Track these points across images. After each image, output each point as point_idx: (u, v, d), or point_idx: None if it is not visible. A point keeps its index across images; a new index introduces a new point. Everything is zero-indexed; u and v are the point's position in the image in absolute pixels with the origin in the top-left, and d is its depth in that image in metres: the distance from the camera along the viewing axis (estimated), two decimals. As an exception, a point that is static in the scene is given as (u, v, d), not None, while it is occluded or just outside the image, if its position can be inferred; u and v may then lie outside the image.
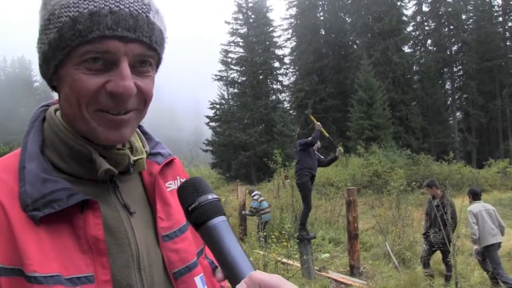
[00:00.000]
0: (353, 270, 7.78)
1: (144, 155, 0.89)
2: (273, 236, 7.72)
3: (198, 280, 0.89)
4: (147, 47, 0.77)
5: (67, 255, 0.72)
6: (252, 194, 11.71)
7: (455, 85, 45.52)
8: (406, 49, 43.35)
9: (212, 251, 0.69)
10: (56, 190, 0.74)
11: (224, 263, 0.67)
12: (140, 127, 0.96)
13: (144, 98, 0.80)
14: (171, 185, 0.95)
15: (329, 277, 7.59)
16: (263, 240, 7.73)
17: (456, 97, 45.73)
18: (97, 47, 0.72)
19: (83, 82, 0.73)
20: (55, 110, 0.86)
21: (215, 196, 0.72)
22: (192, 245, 0.92)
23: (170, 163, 0.97)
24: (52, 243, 0.72)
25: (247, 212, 11.74)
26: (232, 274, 0.65)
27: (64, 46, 0.73)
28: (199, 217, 0.70)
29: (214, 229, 0.69)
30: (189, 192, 0.73)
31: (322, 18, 46.40)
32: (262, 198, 11.68)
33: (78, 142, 0.80)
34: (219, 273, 0.67)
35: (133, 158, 0.85)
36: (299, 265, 7.79)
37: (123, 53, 0.73)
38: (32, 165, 0.77)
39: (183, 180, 0.97)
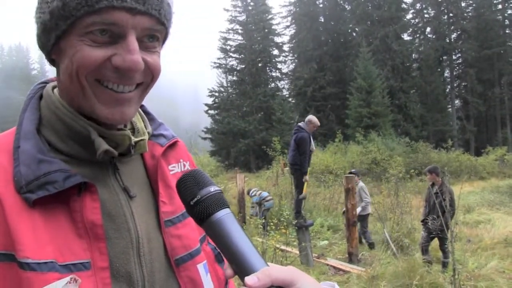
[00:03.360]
0: (351, 257, 7.81)
1: (146, 137, 0.85)
2: (271, 223, 7.74)
3: (201, 267, 0.86)
4: (156, 21, 0.73)
5: (63, 240, 0.69)
6: (250, 193, 11.75)
7: (454, 73, 45.41)
8: (406, 36, 43.17)
9: (218, 246, 0.65)
10: (51, 171, 0.70)
11: (232, 258, 0.64)
12: (142, 106, 0.92)
13: (152, 74, 0.76)
14: (174, 168, 0.91)
15: (327, 264, 7.63)
16: (262, 227, 7.75)
17: (455, 85, 45.66)
18: (104, 18, 0.67)
19: (86, 53, 0.68)
20: (53, 88, 0.82)
21: (217, 188, 0.69)
22: (195, 231, 0.88)
23: (173, 145, 0.93)
24: (47, 226, 0.68)
25: (251, 213, 11.71)
26: (242, 269, 0.62)
27: (68, 16, 0.68)
28: (203, 211, 0.66)
29: (219, 223, 0.65)
30: (189, 185, 0.69)
31: (321, 5, 46.00)
32: (260, 191, 11.72)
33: (77, 121, 0.75)
34: (229, 269, 0.65)
35: (134, 139, 0.81)
36: (297, 252, 7.82)
37: (131, 26, 0.69)
38: (27, 144, 0.72)
39: (186, 163, 0.94)
